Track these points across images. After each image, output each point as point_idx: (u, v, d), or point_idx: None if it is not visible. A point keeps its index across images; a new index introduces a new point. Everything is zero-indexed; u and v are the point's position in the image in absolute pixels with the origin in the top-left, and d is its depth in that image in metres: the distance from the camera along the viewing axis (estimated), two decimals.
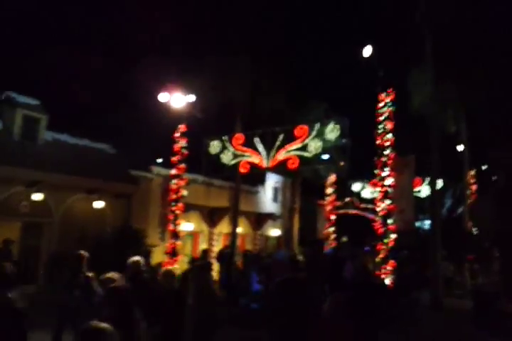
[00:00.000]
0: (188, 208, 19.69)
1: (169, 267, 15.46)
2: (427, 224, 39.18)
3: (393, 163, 12.36)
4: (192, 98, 15.56)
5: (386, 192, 12.24)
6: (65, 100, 16.79)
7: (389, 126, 12.50)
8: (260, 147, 14.30)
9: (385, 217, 12.24)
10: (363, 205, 25.33)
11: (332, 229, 24.13)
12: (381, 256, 12.09)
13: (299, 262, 10.69)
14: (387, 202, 12.23)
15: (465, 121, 19.05)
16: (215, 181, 21.07)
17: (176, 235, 15.76)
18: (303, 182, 24.66)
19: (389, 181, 12.26)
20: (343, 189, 25.02)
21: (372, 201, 25.58)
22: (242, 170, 14.56)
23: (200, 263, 5.50)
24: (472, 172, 21.04)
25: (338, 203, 25.23)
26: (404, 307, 11.76)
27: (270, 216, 23.39)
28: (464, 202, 20.71)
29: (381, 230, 12.28)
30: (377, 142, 12.53)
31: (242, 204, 22.24)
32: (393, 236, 12.22)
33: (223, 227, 21.11)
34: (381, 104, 12.63)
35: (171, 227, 15.72)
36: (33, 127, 14.66)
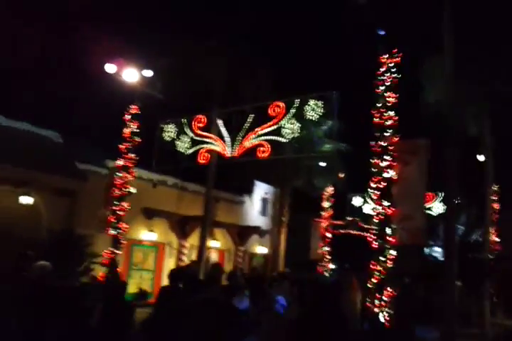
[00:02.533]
0: (153, 214, 15.93)
1: None
2: (436, 251, 34.80)
3: (396, 149, 8.43)
4: (149, 73, 11.90)
5: (386, 189, 8.27)
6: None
7: (391, 98, 8.61)
8: (224, 131, 10.52)
9: (382, 225, 8.24)
10: (367, 226, 21.27)
11: (327, 248, 19.93)
12: (374, 280, 8.04)
13: None
14: (386, 203, 8.25)
15: (489, 121, 14.90)
16: (188, 185, 17.25)
17: (117, 242, 11.87)
18: (296, 195, 20.60)
19: (390, 174, 8.31)
20: (341, 204, 20.92)
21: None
22: (200, 160, 10.75)
23: None
24: (495, 188, 16.78)
25: (339, 222, 21.22)
26: None
27: (255, 230, 19.35)
28: (484, 223, 16.37)
29: (376, 244, 8.27)
30: (375, 120, 8.63)
31: (223, 214, 18.34)
32: (393, 252, 8.19)
33: (197, 239, 17.10)
34: (382, 69, 8.78)
35: (110, 232, 11.82)
36: None
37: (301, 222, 20.87)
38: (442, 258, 32.84)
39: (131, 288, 15.44)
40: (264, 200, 21.06)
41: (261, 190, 20.81)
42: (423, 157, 8.31)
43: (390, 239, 8.13)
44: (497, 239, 16.73)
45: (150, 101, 12.54)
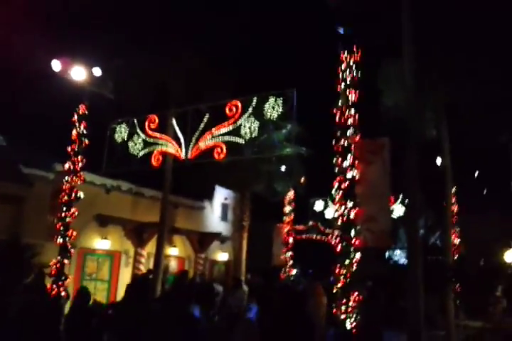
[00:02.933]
0: (107, 221, 15.04)
1: None
2: (397, 254, 34.84)
3: (358, 149, 8.03)
4: (97, 72, 11.14)
5: (349, 189, 7.85)
6: None
7: (352, 96, 8.21)
8: (179, 132, 9.90)
9: (345, 227, 7.79)
10: (328, 230, 21.00)
11: (289, 254, 19.47)
12: (340, 284, 7.57)
13: None
14: (349, 204, 7.81)
15: (446, 123, 14.75)
16: (145, 190, 16.43)
17: (65, 251, 10.99)
18: (256, 200, 20.02)
19: (352, 173, 7.89)
20: (303, 208, 20.54)
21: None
22: (153, 163, 10.07)
23: None
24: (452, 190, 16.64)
25: (301, 227, 20.84)
26: None
27: (216, 236, 18.67)
28: (445, 225, 16.16)
29: (340, 247, 7.81)
30: (337, 119, 8.21)
31: (182, 220, 17.63)
32: (357, 255, 7.76)
33: (155, 247, 16.25)
34: (343, 67, 8.38)
35: (58, 241, 10.96)
36: None
37: (263, 228, 20.37)
38: (403, 261, 32.98)
39: None
40: (225, 206, 20.40)
41: (221, 195, 20.15)
42: (385, 156, 7.92)
43: (355, 241, 7.68)
44: (457, 241, 16.65)
45: (101, 101, 11.80)
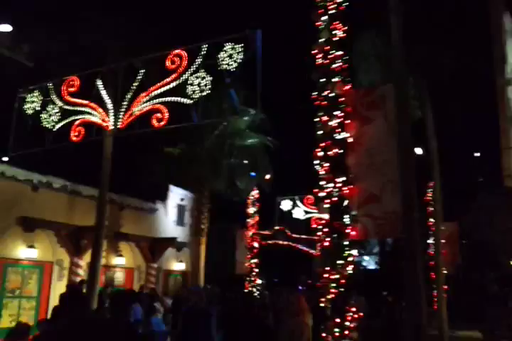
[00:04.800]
0: (34, 225, 12.07)
1: None
2: (365, 260, 32.54)
3: (351, 102, 5.57)
4: (6, 28, 8.40)
5: (339, 157, 5.36)
6: None
7: (338, 31, 5.77)
8: (105, 95, 7.24)
9: (335, 212, 5.28)
10: (295, 235, 18.60)
11: (255, 260, 16.82)
12: (330, 296, 5.03)
13: None
14: (340, 179, 5.32)
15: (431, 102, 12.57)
16: (83, 188, 13.51)
17: None
18: (216, 200, 17.34)
19: (343, 135, 5.42)
20: (269, 209, 17.97)
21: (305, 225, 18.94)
22: (73, 137, 7.34)
23: None
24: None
25: (265, 232, 18.30)
26: None
27: (171, 242, 15.84)
28: (435, 221, 13.78)
29: (329, 241, 5.28)
30: (318, 61, 5.75)
31: (129, 224, 14.79)
32: (354, 252, 5.25)
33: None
34: None
35: None
36: None
37: (224, 232, 17.71)
38: (372, 268, 30.63)
39: (5, 322, 11.49)
40: (181, 207, 17.59)
41: (176, 195, 17.37)
42: (389, 110, 5.48)
43: (350, 231, 5.18)
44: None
45: (13, 68, 9.04)
